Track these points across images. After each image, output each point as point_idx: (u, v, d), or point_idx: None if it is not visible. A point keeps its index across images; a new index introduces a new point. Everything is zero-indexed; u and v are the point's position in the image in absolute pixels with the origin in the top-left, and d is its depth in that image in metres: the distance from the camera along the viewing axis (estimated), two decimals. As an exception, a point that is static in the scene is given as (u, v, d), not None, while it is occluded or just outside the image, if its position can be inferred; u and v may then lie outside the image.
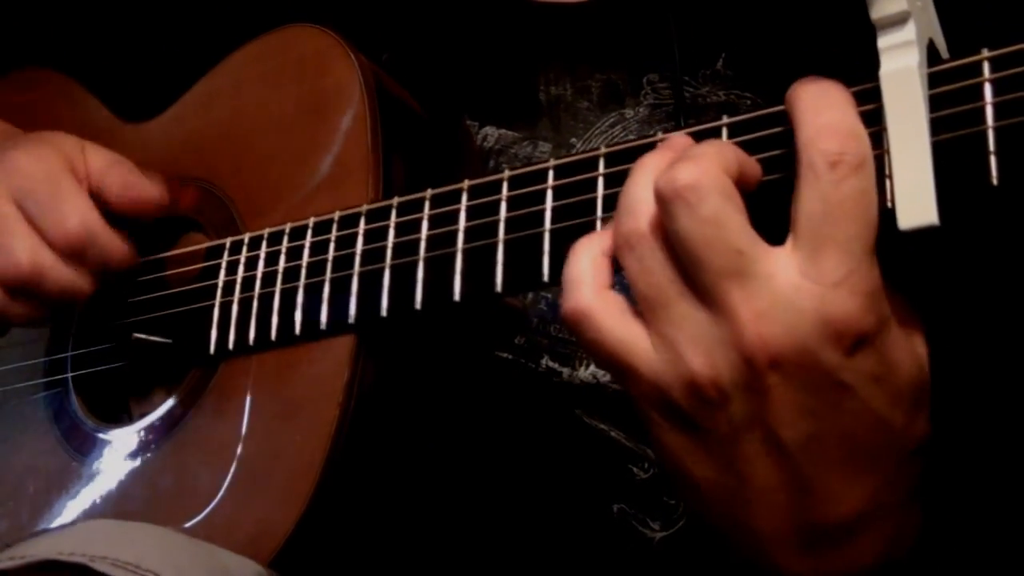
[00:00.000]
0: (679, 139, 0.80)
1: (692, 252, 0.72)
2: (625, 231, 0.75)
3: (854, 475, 0.76)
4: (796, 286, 0.71)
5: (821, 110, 0.72)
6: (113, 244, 1.08)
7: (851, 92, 0.74)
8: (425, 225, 0.95)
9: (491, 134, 1.12)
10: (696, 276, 0.72)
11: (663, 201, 0.72)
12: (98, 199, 1.10)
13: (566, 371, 1.06)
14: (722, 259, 0.71)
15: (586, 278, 0.77)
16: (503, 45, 1.14)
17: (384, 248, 0.97)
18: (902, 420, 0.75)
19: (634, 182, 0.77)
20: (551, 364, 1.07)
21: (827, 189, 0.70)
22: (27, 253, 1.05)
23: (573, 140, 1.10)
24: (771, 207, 0.74)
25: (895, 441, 0.76)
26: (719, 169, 0.72)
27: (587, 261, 0.78)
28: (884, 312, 0.72)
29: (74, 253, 1.06)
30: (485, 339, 1.07)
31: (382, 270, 0.96)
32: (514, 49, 1.14)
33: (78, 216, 1.06)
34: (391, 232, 0.97)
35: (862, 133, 0.71)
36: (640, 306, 0.76)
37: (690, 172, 0.72)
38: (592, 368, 1.05)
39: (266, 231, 1.05)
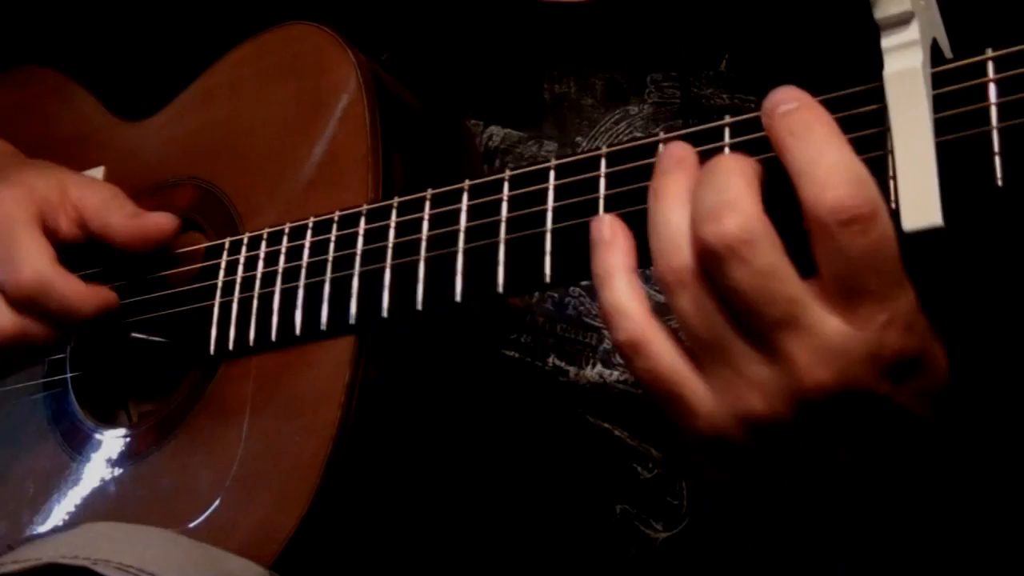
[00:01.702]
0: (682, 151, 0.78)
1: (748, 304, 0.72)
2: (676, 268, 0.74)
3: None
4: (844, 334, 0.71)
5: (815, 158, 0.70)
6: (72, 292, 1.05)
7: (832, 116, 0.72)
8: (426, 225, 0.94)
9: (496, 133, 1.12)
10: (751, 323, 0.73)
11: (715, 256, 0.72)
12: (87, 234, 1.08)
13: (572, 370, 1.06)
14: (778, 311, 0.71)
15: (632, 305, 0.77)
16: (506, 44, 1.14)
17: (385, 248, 0.96)
18: (936, 415, 0.77)
19: (666, 212, 0.75)
20: (557, 363, 1.06)
21: (845, 247, 0.69)
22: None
23: (578, 138, 1.10)
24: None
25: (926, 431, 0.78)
26: (760, 211, 0.72)
27: (625, 285, 0.77)
28: (925, 330, 0.73)
29: (28, 304, 1.04)
30: (487, 339, 1.07)
31: (382, 270, 0.96)
32: (518, 48, 1.13)
33: (30, 268, 1.03)
34: (391, 232, 0.96)
35: (864, 175, 0.70)
36: (692, 343, 0.76)
37: (736, 222, 0.71)
38: (599, 367, 1.05)
39: (265, 231, 1.04)
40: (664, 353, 0.76)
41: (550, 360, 1.07)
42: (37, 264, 1.04)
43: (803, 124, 0.72)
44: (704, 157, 0.77)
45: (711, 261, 0.72)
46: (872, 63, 0.73)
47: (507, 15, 1.14)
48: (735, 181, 0.73)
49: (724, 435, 0.76)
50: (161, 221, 1.09)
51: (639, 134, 1.08)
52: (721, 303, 0.73)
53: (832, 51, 1.00)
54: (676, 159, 0.78)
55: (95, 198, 1.09)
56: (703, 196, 0.73)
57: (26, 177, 1.10)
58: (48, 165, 1.14)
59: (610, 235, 0.79)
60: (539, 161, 0.91)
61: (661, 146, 0.83)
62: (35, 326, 1.05)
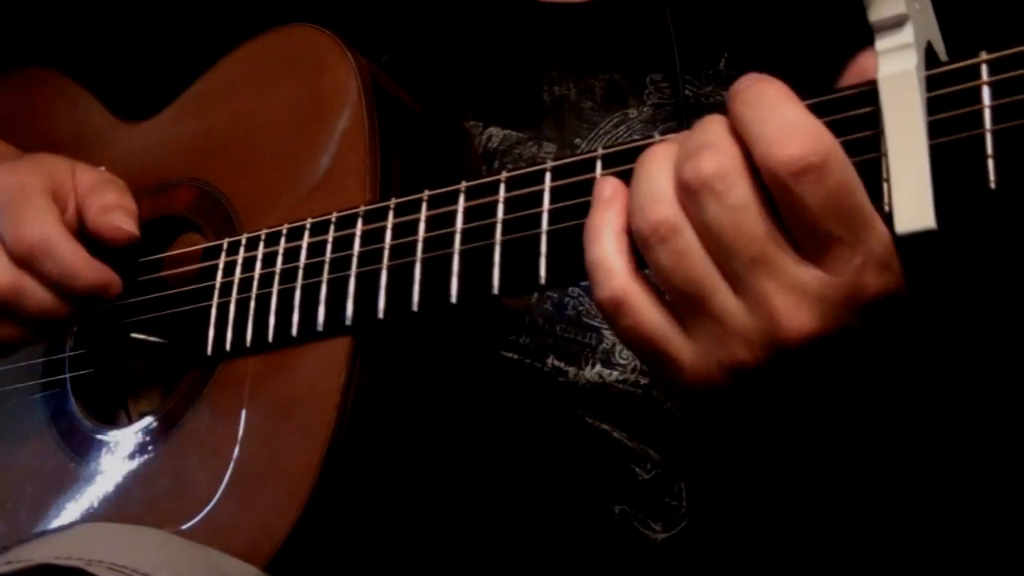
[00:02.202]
0: (680, 134, 0.80)
1: (723, 240, 0.73)
2: (654, 222, 0.75)
3: None
4: (820, 280, 0.72)
5: (763, 118, 0.72)
6: (73, 257, 1.05)
7: (785, 85, 0.74)
8: (422, 227, 0.94)
9: (495, 135, 1.12)
10: (727, 265, 0.74)
11: (690, 191, 0.73)
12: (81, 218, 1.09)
13: (572, 370, 1.06)
14: (753, 247, 0.72)
15: (616, 262, 0.78)
16: (506, 46, 1.14)
17: (381, 250, 0.96)
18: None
19: (650, 172, 0.76)
20: (557, 363, 1.07)
21: (803, 199, 0.70)
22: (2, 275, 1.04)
23: (577, 140, 1.10)
24: None
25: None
26: (739, 154, 0.73)
27: (611, 242, 0.78)
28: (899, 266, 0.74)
29: (28, 259, 1.04)
30: (484, 341, 1.07)
31: (379, 271, 0.96)
32: (517, 50, 1.13)
33: (38, 226, 1.04)
34: (388, 233, 0.96)
35: (812, 125, 0.71)
36: (673, 297, 0.76)
37: (714, 159, 0.72)
38: (598, 367, 1.06)
39: (263, 232, 1.04)
40: (646, 310, 0.77)
41: (549, 361, 1.07)
42: (45, 221, 1.05)
43: (755, 94, 0.73)
44: None
45: (687, 199, 0.73)
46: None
47: (507, 16, 1.14)
48: (717, 128, 0.75)
49: (710, 384, 0.77)
50: (120, 229, 1.09)
51: (637, 137, 1.08)
52: (698, 250, 0.74)
53: (829, 48, 1.00)
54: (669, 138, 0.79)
55: (91, 178, 1.10)
56: (687, 142, 0.75)
57: (42, 157, 1.12)
58: (61, 156, 1.15)
59: (610, 194, 0.80)
60: (538, 162, 0.91)
61: None
62: (31, 285, 1.05)
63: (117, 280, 1.08)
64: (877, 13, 0.71)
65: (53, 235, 1.04)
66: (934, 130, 0.71)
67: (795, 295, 0.72)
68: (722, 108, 1.05)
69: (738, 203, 0.72)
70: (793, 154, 0.70)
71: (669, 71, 1.07)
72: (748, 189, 0.72)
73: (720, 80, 1.08)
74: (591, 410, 1.06)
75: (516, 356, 1.07)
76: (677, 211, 0.74)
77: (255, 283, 1.03)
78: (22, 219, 1.04)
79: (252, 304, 1.03)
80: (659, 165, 0.76)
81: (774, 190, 0.71)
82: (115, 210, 1.09)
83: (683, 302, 0.76)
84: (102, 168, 1.19)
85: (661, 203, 0.75)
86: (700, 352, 0.76)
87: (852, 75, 0.76)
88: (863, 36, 0.74)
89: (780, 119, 0.71)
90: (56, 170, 1.10)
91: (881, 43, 0.72)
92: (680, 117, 1.06)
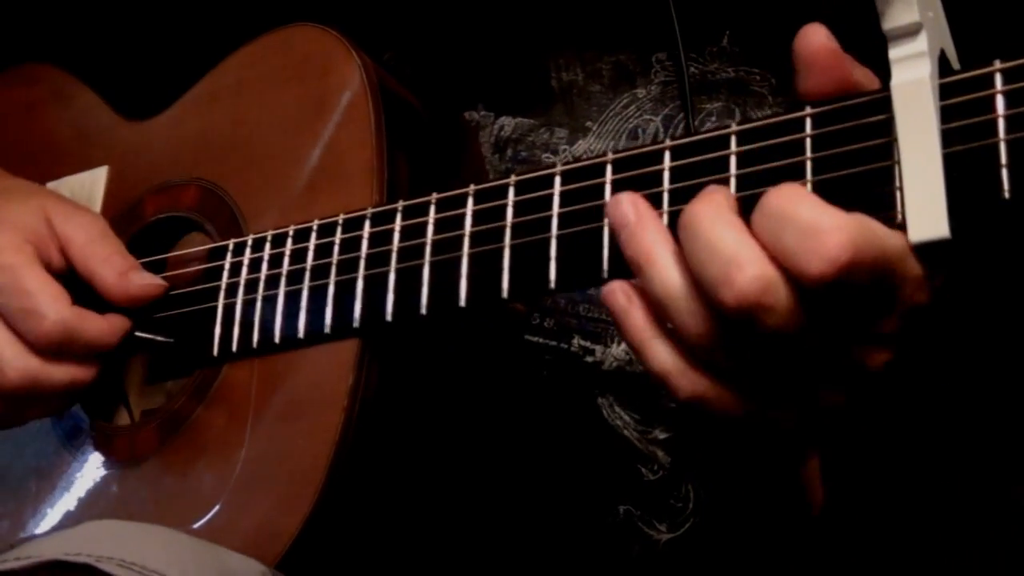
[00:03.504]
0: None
1: (791, 346, 0.73)
2: (701, 333, 0.75)
3: None
4: (888, 326, 0.74)
5: (781, 231, 0.71)
6: (95, 329, 1.05)
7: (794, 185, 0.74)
8: (431, 229, 0.94)
9: (507, 123, 1.12)
10: (799, 354, 0.74)
11: (742, 315, 0.72)
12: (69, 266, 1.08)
13: (599, 349, 1.06)
14: (816, 337, 0.73)
15: (675, 365, 0.78)
16: (512, 34, 1.14)
17: (389, 252, 0.96)
18: None
19: (671, 281, 0.76)
20: (583, 343, 1.06)
21: (850, 289, 0.70)
22: (14, 367, 1.03)
23: (588, 123, 1.10)
24: None
25: None
26: (760, 251, 0.72)
27: (662, 348, 0.79)
28: None
29: (55, 351, 1.04)
30: (491, 342, 1.07)
31: (387, 274, 0.96)
32: (523, 38, 1.13)
33: (52, 314, 1.03)
34: (396, 235, 0.96)
35: (831, 221, 0.70)
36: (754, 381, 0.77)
37: (748, 275, 0.71)
38: (624, 344, 1.05)
39: (269, 233, 1.04)
40: (728, 403, 0.77)
41: (575, 341, 1.06)
42: (58, 310, 1.03)
43: (764, 208, 0.72)
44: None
45: (739, 320, 0.72)
46: (868, 33, 0.74)
47: (510, 5, 1.14)
48: (722, 232, 0.73)
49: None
50: (148, 286, 1.08)
51: (648, 116, 1.08)
52: (762, 349, 0.74)
53: (831, 22, 1.00)
54: (645, 249, 0.78)
55: (80, 237, 1.08)
56: (701, 262, 0.73)
57: (11, 214, 1.09)
58: (27, 190, 1.14)
59: (626, 301, 0.80)
60: (551, 149, 0.91)
61: (667, 153, 0.83)
62: (62, 370, 1.05)
63: (129, 322, 1.08)
64: (891, 21, 0.71)
65: (70, 320, 1.03)
66: (948, 139, 0.70)
67: (874, 344, 0.74)
68: (729, 84, 1.07)
69: (794, 306, 0.71)
70: (826, 260, 0.68)
71: (673, 49, 1.07)
72: (792, 287, 0.71)
73: (724, 56, 1.07)
74: (617, 393, 1.05)
75: (541, 340, 1.07)
76: (730, 333, 0.74)
77: (261, 284, 1.03)
78: (34, 313, 1.03)
79: (258, 305, 1.03)
80: (676, 270, 0.76)
81: (821, 294, 0.70)
82: (131, 271, 1.08)
83: (764, 386, 0.77)
84: (102, 170, 1.19)
85: (698, 313, 0.75)
86: (794, 416, 0.78)
87: (805, 62, 0.76)
88: (864, 9, 0.73)
89: (797, 227, 0.70)
90: (31, 224, 1.08)
91: (895, 51, 0.71)
92: (684, 96, 1.06)
